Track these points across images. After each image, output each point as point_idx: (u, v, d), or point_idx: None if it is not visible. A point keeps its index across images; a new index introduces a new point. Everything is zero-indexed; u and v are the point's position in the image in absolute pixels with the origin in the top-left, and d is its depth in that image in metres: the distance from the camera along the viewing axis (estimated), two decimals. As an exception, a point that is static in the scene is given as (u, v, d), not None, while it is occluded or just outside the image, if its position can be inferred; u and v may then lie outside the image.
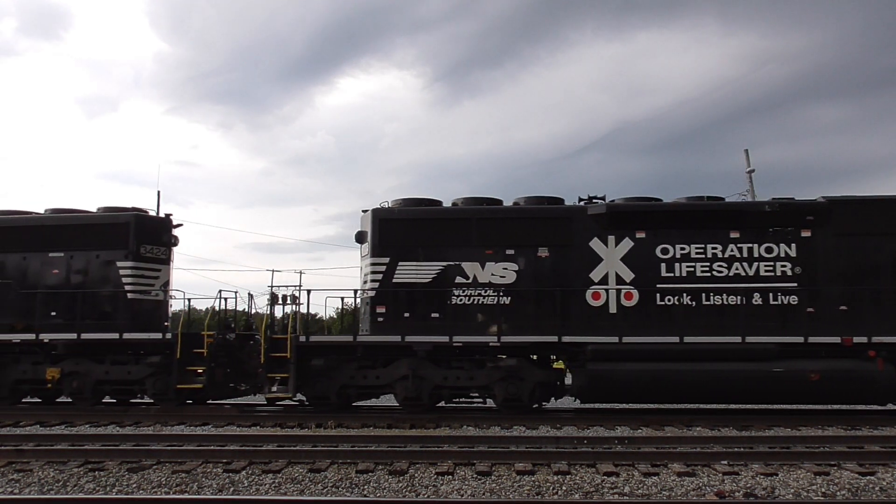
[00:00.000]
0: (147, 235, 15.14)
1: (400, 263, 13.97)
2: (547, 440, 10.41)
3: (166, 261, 15.55)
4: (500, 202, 14.53)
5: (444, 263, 13.90)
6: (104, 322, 14.51)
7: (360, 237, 14.71)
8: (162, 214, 15.76)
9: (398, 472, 8.27)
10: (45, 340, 14.42)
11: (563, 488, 7.69)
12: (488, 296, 13.75)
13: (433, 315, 13.77)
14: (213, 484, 7.86)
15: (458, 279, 13.85)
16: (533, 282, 13.80)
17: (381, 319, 13.85)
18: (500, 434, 11.18)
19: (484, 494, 7.56)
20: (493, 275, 13.83)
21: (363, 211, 14.83)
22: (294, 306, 14.23)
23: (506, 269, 13.83)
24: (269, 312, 14.44)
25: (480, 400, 14.11)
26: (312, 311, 16.90)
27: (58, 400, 15.51)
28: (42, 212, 15.71)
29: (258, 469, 8.41)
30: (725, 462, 8.82)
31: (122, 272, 14.80)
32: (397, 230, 14.20)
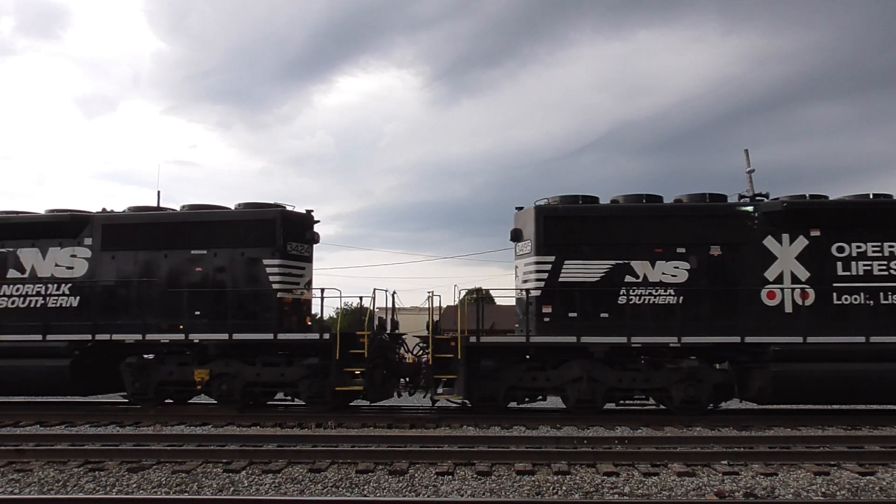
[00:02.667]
0: (292, 232, 14.54)
1: (566, 262, 13.53)
2: (547, 440, 10.41)
3: (309, 258, 14.99)
4: (660, 198, 14.12)
5: (613, 262, 13.46)
6: (253, 322, 13.97)
7: (516, 235, 14.33)
8: (303, 210, 15.07)
9: (398, 472, 8.27)
10: (196, 341, 13.93)
11: (563, 488, 7.69)
12: (659, 295, 13.35)
13: (602, 315, 13.31)
14: (213, 484, 7.86)
15: (628, 278, 13.42)
16: (706, 280, 13.38)
17: (547, 320, 13.42)
18: (500, 434, 11.18)
19: (484, 494, 7.55)
20: (663, 273, 13.40)
21: (517, 208, 14.50)
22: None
23: (677, 267, 13.43)
24: (431, 312, 13.85)
25: (652, 403, 13.81)
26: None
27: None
28: (178, 209, 15.16)
29: (258, 469, 8.41)
30: (725, 462, 8.82)
31: (269, 270, 14.17)
32: (563, 228, 13.75)
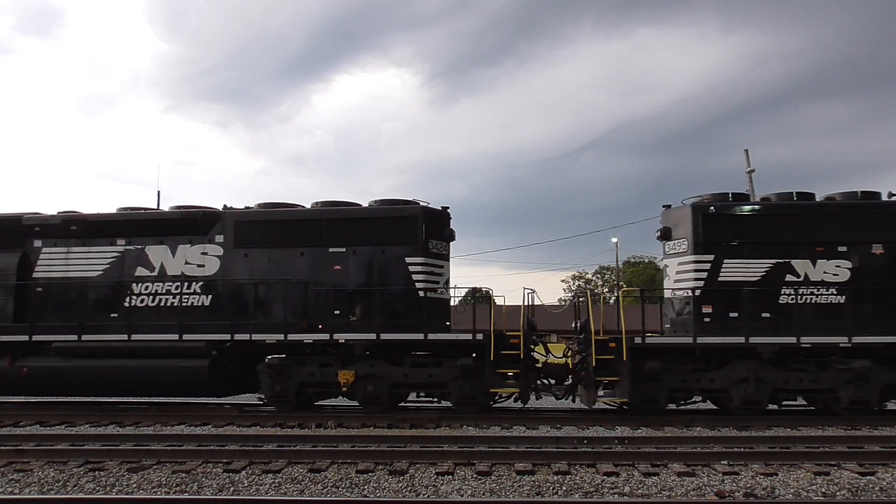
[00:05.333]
0: (432, 229, 14.08)
1: (725, 261, 13.32)
2: (547, 440, 10.41)
3: (447, 256, 14.55)
4: (812, 196, 13.90)
5: (773, 261, 13.26)
6: (398, 322, 13.60)
7: (665, 233, 14.08)
8: (439, 207, 14.56)
9: (398, 472, 8.27)
10: (342, 341, 13.52)
11: (563, 488, 7.69)
12: (821, 294, 13.15)
13: (763, 314, 13.09)
14: (213, 484, 7.86)
15: (789, 277, 13.21)
16: (868, 279, 13.15)
17: (707, 320, 13.21)
18: (500, 434, 11.18)
19: (484, 494, 7.56)
20: (825, 272, 13.19)
21: (665, 206, 14.33)
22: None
23: (839, 266, 13.20)
24: (591, 313, 13.41)
25: (802, 404, 13.66)
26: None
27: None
28: (309, 206, 14.67)
29: (258, 469, 8.41)
30: (725, 462, 8.82)
31: (411, 269, 13.75)
32: (722, 226, 13.48)
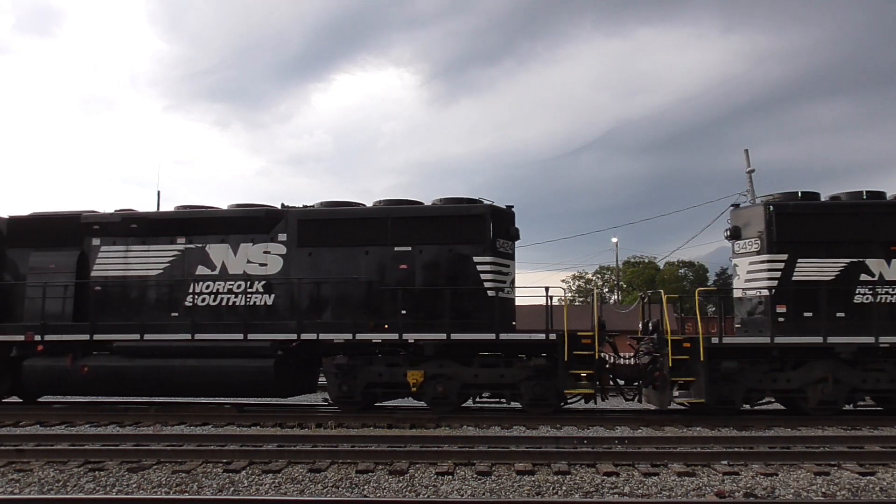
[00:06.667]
0: (499, 228, 13.95)
1: (799, 260, 13.29)
2: (547, 440, 10.41)
3: (512, 256, 14.45)
4: (883, 195, 13.83)
5: (847, 260, 13.25)
6: (466, 321, 13.40)
7: (735, 233, 14.03)
8: (504, 206, 14.38)
9: (398, 472, 8.27)
10: (411, 341, 13.35)
11: (563, 488, 7.69)
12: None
13: (838, 314, 13.02)
14: (213, 484, 7.86)
15: (863, 276, 13.20)
16: None
17: (781, 319, 13.17)
18: (499, 434, 11.18)
19: (484, 494, 7.56)
20: None
21: (733, 206, 14.34)
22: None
23: None
24: (667, 314, 13.40)
25: (869, 404, 13.70)
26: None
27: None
28: (369, 204, 14.53)
29: (258, 469, 8.41)
30: (725, 462, 8.82)
31: (480, 268, 13.60)
32: (795, 225, 13.46)
